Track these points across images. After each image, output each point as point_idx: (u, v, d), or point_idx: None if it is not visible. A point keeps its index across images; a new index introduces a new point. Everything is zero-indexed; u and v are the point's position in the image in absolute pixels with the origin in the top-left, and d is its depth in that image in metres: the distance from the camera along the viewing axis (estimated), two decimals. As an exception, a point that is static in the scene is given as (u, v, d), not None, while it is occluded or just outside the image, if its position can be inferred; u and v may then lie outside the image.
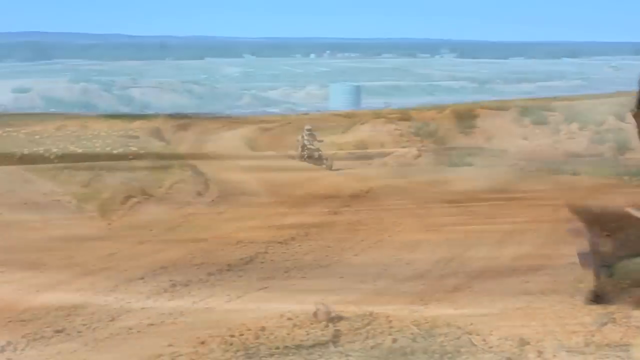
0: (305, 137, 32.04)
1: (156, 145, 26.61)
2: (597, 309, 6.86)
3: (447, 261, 16.02)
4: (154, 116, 40.86)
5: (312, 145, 31.89)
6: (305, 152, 31.40)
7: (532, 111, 44.19)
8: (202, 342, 4.93)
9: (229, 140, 38.52)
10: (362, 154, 36.48)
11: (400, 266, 15.89)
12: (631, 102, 14.11)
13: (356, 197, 21.50)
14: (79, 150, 24.12)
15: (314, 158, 31.24)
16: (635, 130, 15.35)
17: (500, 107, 45.40)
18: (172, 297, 13.66)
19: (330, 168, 30.13)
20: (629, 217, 11.51)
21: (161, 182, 21.38)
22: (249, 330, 5.00)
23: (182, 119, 41.08)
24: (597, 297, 11.44)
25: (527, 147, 39.91)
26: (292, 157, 32.97)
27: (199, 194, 21.74)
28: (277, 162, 30.12)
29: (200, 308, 13.39)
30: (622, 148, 40.90)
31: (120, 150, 23.49)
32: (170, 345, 11.41)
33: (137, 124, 35.57)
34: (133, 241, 17.67)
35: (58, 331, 11.99)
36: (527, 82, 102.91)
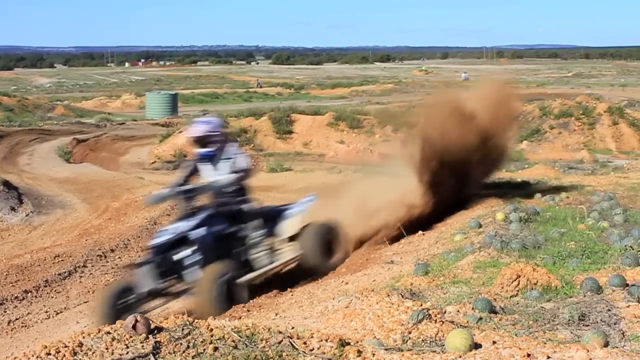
0: None
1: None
2: (413, 307, 7.08)
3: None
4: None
5: None
6: None
7: (347, 115, 45.32)
8: (17, 363, 4.79)
9: (44, 152, 37.61)
10: (181, 163, 36.36)
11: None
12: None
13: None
14: None
15: None
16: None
17: (316, 111, 46.38)
18: (-15, 317, 13.22)
19: None
20: None
21: (-30, 198, 20.61)
22: (66, 347, 4.88)
23: (-8, 132, 39.84)
24: None
25: (344, 150, 40.83)
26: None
27: (12, 209, 21.05)
28: (95, 174, 29.60)
29: (16, 327, 13.02)
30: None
31: None
32: (-17, 367, 11.05)
33: (-57, 138, 34.26)
34: (-58, 261, 16.94)
35: None
36: (341, 86, 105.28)
